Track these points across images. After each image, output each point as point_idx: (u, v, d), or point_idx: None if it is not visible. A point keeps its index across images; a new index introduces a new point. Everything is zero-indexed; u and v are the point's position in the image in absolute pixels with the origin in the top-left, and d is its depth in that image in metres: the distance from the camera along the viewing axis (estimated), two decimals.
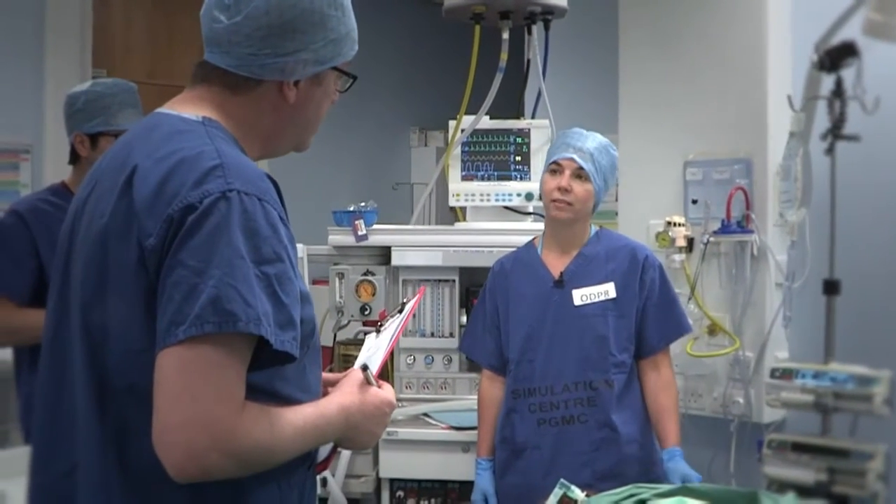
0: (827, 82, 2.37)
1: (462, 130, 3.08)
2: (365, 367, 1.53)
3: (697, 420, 3.35)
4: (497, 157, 3.17)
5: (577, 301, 2.71)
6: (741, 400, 3.20)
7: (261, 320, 1.30)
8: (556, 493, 1.83)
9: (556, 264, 2.77)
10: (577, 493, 1.80)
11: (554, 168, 2.70)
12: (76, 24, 4.50)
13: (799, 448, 2.25)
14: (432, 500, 2.93)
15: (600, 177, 2.69)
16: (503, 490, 2.75)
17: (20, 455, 1.92)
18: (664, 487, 1.57)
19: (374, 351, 1.70)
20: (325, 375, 1.62)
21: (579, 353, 2.69)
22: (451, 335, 3.12)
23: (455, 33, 6.51)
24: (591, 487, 2.51)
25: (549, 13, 2.94)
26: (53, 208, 2.77)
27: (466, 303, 3.18)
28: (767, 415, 3.18)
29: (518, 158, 3.16)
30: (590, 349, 2.69)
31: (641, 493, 1.56)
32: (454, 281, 3.09)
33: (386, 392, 1.56)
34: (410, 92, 7.07)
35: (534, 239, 2.89)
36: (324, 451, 1.58)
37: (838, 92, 2.32)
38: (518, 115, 3.52)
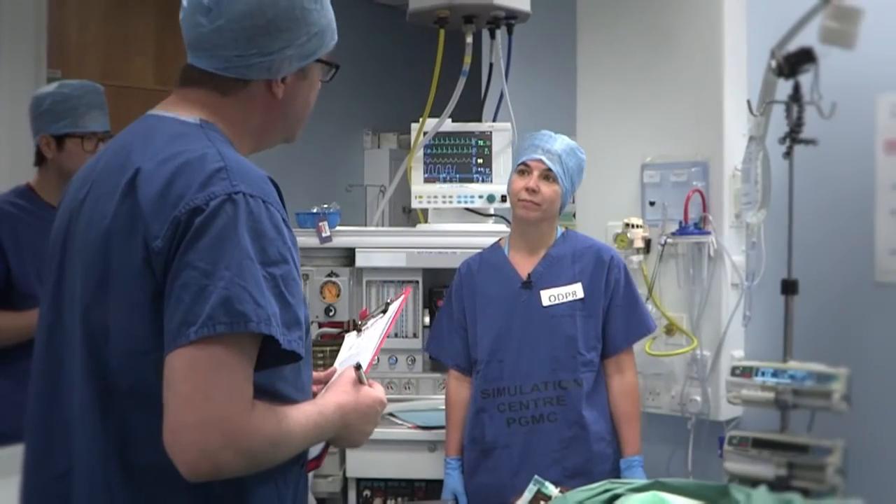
0: (784, 87, 2.44)
1: (425, 133, 3.10)
2: (358, 367, 1.55)
3: (655, 418, 3.40)
4: (459, 159, 3.19)
5: (545, 301, 2.74)
6: (698, 398, 3.26)
7: (270, 320, 1.32)
8: (531, 489, 1.86)
9: (524, 265, 2.81)
10: (551, 489, 1.83)
11: (522, 169, 2.74)
12: (30, 26, 4.45)
13: (759, 444, 2.31)
14: (399, 500, 2.95)
15: (567, 178, 2.73)
16: (473, 490, 2.78)
17: (6, 456, 1.90)
18: (637, 483, 1.60)
19: (357, 350, 1.72)
20: (314, 374, 1.63)
21: (548, 353, 2.73)
22: (415, 336, 3.14)
23: (409, 37, 6.55)
24: (560, 485, 2.54)
25: (512, 17, 2.97)
26: (19, 210, 2.75)
27: (430, 304, 3.20)
28: (724, 412, 3.25)
29: (480, 161, 3.19)
30: (559, 349, 2.72)
31: (615, 488, 1.59)
32: (418, 282, 3.11)
33: (377, 391, 1.58)
34: (364, 94, 7.07)
35: (499, 240, 2.92)
36: (314, 450, 1.59)
37: (796, 97, 2.39)
38: (479, 118, 3.55)
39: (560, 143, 2.75)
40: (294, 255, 1.43)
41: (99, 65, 4.95)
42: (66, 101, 2.76)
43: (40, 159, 2.82)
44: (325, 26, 1.57)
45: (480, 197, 3.17)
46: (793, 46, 2.38)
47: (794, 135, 2.42)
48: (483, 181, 3.19)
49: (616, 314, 2.77)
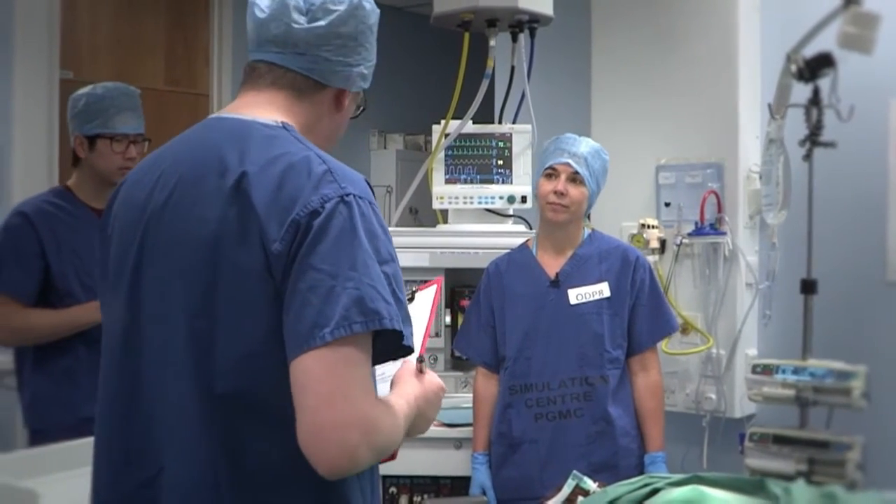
0: (801, 90, 2.49)
1: (447, 135, 3.14)
2: (421, 359, 1.59)
3: (670, 416, 3.43)
4: (479, 160, 3.23)
5: (572, 300, 2.79)
6: (713, 396, 3.31)
7: (396, 317, 1.36)
8: (569, 483, 1.90)
9: (551, 265, 2.85)
10: (590, 484, 1.87)
11: (549, 172, 2.78)
12: (44, 27, 4.48)
13: (780, 440, 2.36)
14: (424, 496, 2.98)
15: (594, 180, 2.78)
16: (500, 483, 2.82)
17: (49, 453, 1.95)
18: (676, 477, 1.64)
19: None
20: None
21: (576, 350, 2.77)
22: (437, 335, 3.18)
23: (415, 38, 6.60)
24: (593, 480, 2.59)
25: (535, 21, 3.01)
26: (57, 210, 2.78)
27: (452, 303, 3.24)
28: (739, 410, 3.30)
29: (500, 162, 3.23)
30: (586, 346, 2.77)
31: (654, 482, 1.63)
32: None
33: (436, 378, 1.62)
34: (370, 95, 7.08)
35: (527, 241, 2.97)
36: None
37: (815, 100, 2.44)
38: (492, 119, 3.59)
39: (585, 145, 2.80)
40: (395, 254, 1.45)
41: (110, 65, 4.98)
42: (98, 101, 2.78)
43: (76, 159, 2.84)
44: (374, 62, 1.64)
45: (501, 198, 3.21)
46: (806, 50, 2.44)
47: (813, 137, 2.47)
48: (503, 182, 3.23)
49: (641, 313, 2.82)
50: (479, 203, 3.24)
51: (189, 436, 1.40)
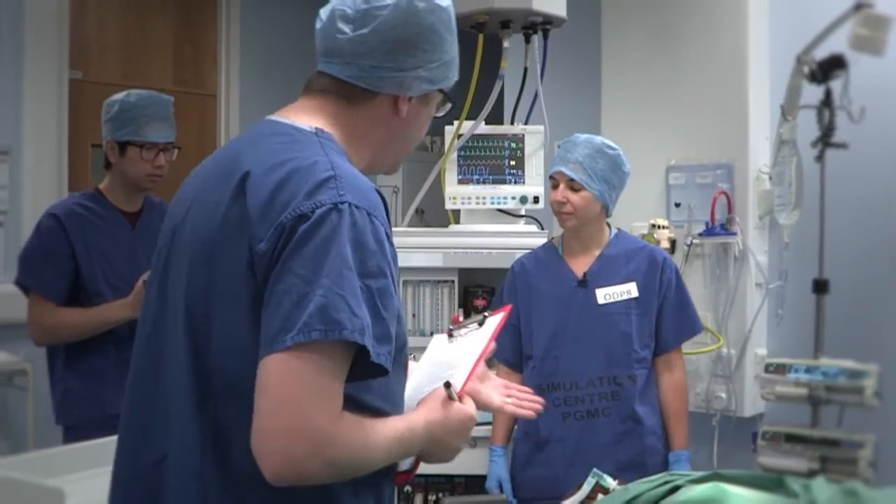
0: (812, 91, 2.51)
1: (460, 136, 3.16)
2: (448, 385, 1.55)
3: None
4: (492, 161, 3.25)
5: (600, 300, 2.80)
6: (724, 395, 3.34)
7: (364, 331, 1.32)
8: (589, 481, 1.91)
9: (578, 264, 2.87)
10: (610, 482, 1.88)
11: (552, 182, 2.82)
12: (53, 27, 4.49)
13: (792, 439, 2.38)
14: (439, 495, 3.00)
15: (597, 181, 2.77)
16: (525, 483, 2.83)
17: (74, 452, 1.97)
18: (697, 474, 1.66)
19: (447, 359, 1.72)
20: None
21: (604, 349, 2.78)
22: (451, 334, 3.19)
23: None
24: (615, 478, 2.60)
25: (548, 23, 3.03)
26: (87, 212, 2.84)
27: (465, 303, 3.26)
28: (749, 409, 3.33)
29: (512, 163, 3.24)
30: (614, 346, 2.79)
31: (675, 479, 1.65)
32: (453, 282, 3.16)
33: (468, 407, 1.57)
34: None
35: (552, 239, 2.98)
36: (405, 463, 1.60)
37: (827, 102, 2.46)
38: (501, 121, 3.61)
39: (582, 148, 2.79)
40: (393, 270, 1.43)
41: (119, 66, 5.00)
42: (130, 109, 2.81)
43: (107, 163, 2.89)
44: (453, 59, 1.61)
45: (513, 198, 3.22)
46: (815, 52, 2.46)
47: (825, 139, 2.48)
48: (515, 183, 3.24)
49: (668, 314, 2.83)
50: (492, 203, 3.25)
51: (185, 425, 1.42)
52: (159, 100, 2.88)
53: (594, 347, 2.78)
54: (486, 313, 1.79)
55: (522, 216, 3.34)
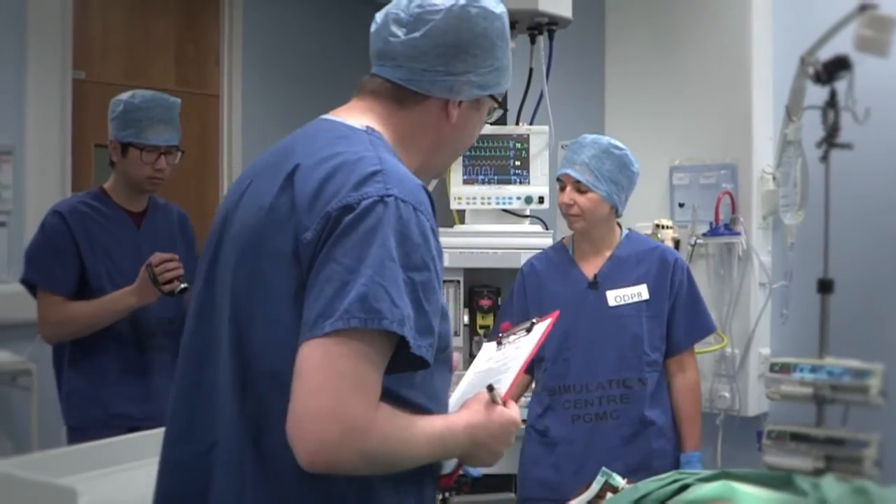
0: (816, 92, 2.52)
1: None
2: (491, 388, 1.55)
3: None
4: (497, 161, 3.25)
5: (611, 302, 2.79)
6: (727, 394, 3.35)
7: (404, 322, 1.33)
8: (599, 480, 1.92)
9: (589, 266, 2.85)
10: (619, 481, 1.89)
11: (559, 185, 2.81)
12: (57, 27, 4.49)
13: (797, 438, 2.39)
14: (446, 494, 3.00)
15: (604, 182, 2.76)
16: (530, 482, 2.81)
17: (88, 451, 1.98)
18: (705, 473, 1.67)
19: (496, 365, 1.72)
20: None
21: (615, 352, 2.76)
22: (456, 334, 3.20)
23: None
24: (622, 477, 2.60)
25: (553, 24, 3.04)
26: (92, 211, 2.83)
27: (470, 302, 3.27)
28: (752, 408, 3.34)
29: (517, 163, 3.25)
30: (625, 348, 2.77)
31: (684, 478, 1.66)
32: (459, 282, 3.17)
33: (511, 411, 1.57)
34: None
35: (563, 239, 2.97)
36: (448, 466, 1.59)
37: (832, 103, 2.47)
38: (504, 121, 3.61)
39: (588, 150, 2.77)
40: (437, 265, 1.44)
41: (122, 66, 5.00)
42: (134, 111, 2.80)
43: (112, 162, 2.89)
44: (505, 66, 1.63)
45: (518, 198, 3.23)
46: (820, 53, 2.47)
47: (830, 139, 2.49)
48: (521, 183, 3.25)
49: (679, 315, 2.82)
50: (497, 204, 3.26)
51: (231, 413, 1.44)
52: (164, 102, 2.86)
53: (605, 350, 2.76)
54: (534, 319, 1.78)
55: (527, 216, 3.35)
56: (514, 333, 1.81)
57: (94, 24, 4.90)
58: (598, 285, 2.81)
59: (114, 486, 1.62)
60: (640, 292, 2.79)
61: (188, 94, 5.24)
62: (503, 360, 1.72)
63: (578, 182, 2.75)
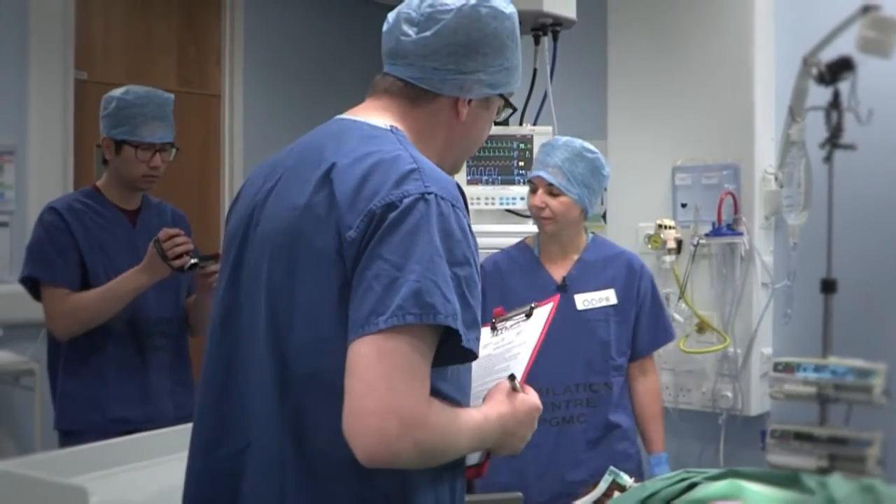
0: (819, 93, 2.54)
1: None
2: (512, 377, 1.58)
3: (686, 414, 3.50)
4: (501, 161, 3.26)
5: (579, 306, 2.75)
6: (730, 394, 3.36)
7: (457, 316, 1.35)
8: (606, 479, 1.93)
9: (556, 268, 2.81)
10: (626, 480, 1.90)
11: (531, 186, 2.76)
12: (58, 28, 4.50)
13: (801, 437, 2.40)
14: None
15: (576, 185, 2.71)
16: (492, 488, 2.61)
17: (97, 451, 1.98)
18: (713, 471, 1.68)
19: (500, 351, 1.74)
20: None
21: (582, 356, 2.73)
22: None
23: None
24: (585, 484, 2.60)
25: (557, 24, 3.05)
26: (88, 209, 2.77)
27: None
28: (755, 408, 3.35)
29: (521, 163, 3.25)
30: (593, 353, 2.74)
31: (692, 476, 1.66)
32: None
33: (532, 397, 1.61)
34: None
35: (525, 240, 2.92)
36: (473, 457, 1.60)
37: (836, 104, 2.49)
38: (506, 122, 3.62)
39: (561, 152, 2.73)
40: (476, 259, 1.45)
41: (122, 66, 5.00)
42: (128, 107, 2.74)
43: (105, 159, 2.82)
44: (515, 65, 1.64)
45: (522, 199, 3.23)
46: (822, 54, 2.48)
47: (833, 140, 2.51)
48: (524, 183, 3.24)
49: (644, 322, 2.81)
50: (501, 204, 3.26)
51: (266, 413, 1.45)
52: (158, 98, 2.79)
53: (573, 354, 2.72)
54: (532, 304, 1.80)
55: (530, 217, 3.35)
56: (510, 318, 1.82)
57: (96, 24, 4.91)
58: (566, 288, 2.76)
59: (124, 485, 1.63)
60: (608, 297, 2.76)
61: (189, 94, 5.26)
62: (506, 346, 1.76)
63: (551, 185, 2.70)
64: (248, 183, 1.65)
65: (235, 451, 1.49)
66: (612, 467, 1.97)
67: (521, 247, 2.90)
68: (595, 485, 1.98)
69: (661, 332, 2.86)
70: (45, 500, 1.74)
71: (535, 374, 2.69)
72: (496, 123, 1.74)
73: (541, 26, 3.05)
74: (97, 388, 2.71)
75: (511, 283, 2.82)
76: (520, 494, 2.04)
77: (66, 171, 4.47)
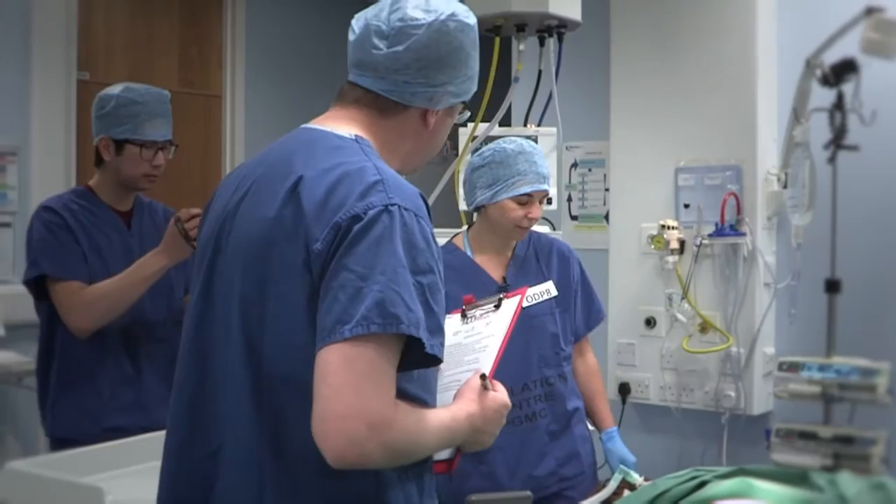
0: (822, 94, 2.55)
1: (474, 138, 3.19)
2: (483, 376, 1.65)
3: (689, 413, 3.52)
4: None
5: (524, 303, 2.71)
6: (732, 394, 3.38)
7: (419, 324, 1.42)
8: (616, 478, 1.95)
9: (492, 268, 2.78)
10: (636, 478, 1.92)
11: (525, 200, 2.67)
12: (61, 28, 4.51)
13: (805, 436, 2.42)
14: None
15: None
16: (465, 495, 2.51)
17: (112, 450, 2.00)
18: (722, 469, 1.70)
19: (467, 340, 1.81)
20: None
21: (535, 353, 2.72)
22: None
23: None
24: (555, 475, 2.64)
25: (563, 26, 3.06)
26: (82, 209, 2.74)
27: None
28: (757, 407, 3.37)
29: None
30: (544, 348, 2.74)
31: (702, 475, 1.69)
32: None
33: (501, 395, 1.69)
34: None
35: (452, 239, 2.87)
36: (445, 453, 1.67)
37: (839, 105, 2.50)
38: (508, 122, 3.63)
39: (541, 158, 2.72)
40: (440, 267, 1.52)
41: (125, 66, 5.01)
42: (129, 105, 2.69)
43: (99, 160, 2.77)
44: (476, 72, 1.70)
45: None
46: (826, 55, 2.50)
47: (837, 141, 2.52)
48: None
49: (579, 305, 2.83)
50: None
51: (241, 416, 1.50)
52: (158, 95, 2.76)
53: (526, 352, 2.70)
54: (501, 295, 1.83)
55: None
56: (480, 307, 1.88)
57: (99, 25, 4.93)
58: (508, 287, 2.68)
59: (139, 484, 1.65)
60: (549, 289, 2.75)
61: (191, 94, 5.28)
62: (475, 337, 1.83)
63: (545, 192, 2.71)
64: (221, 188, 1.69)
65: (208, 452, 1.53)
66: (621, 466, 1.99)
67: (451, 248, 2.83)
68: (606, 483, 1.99)
69: (595, 313, 2.90)
70: (62, 500, 1.76)
71: (494, 377, 2.70)
72: (459, 125, 1.79)
73: (546, 28, 3.07)
74: (91, 397, 2.67)
75: (449, 288, 2.70)
76: (529, 493, 2.05)
77: (69, 172, 4.48)
